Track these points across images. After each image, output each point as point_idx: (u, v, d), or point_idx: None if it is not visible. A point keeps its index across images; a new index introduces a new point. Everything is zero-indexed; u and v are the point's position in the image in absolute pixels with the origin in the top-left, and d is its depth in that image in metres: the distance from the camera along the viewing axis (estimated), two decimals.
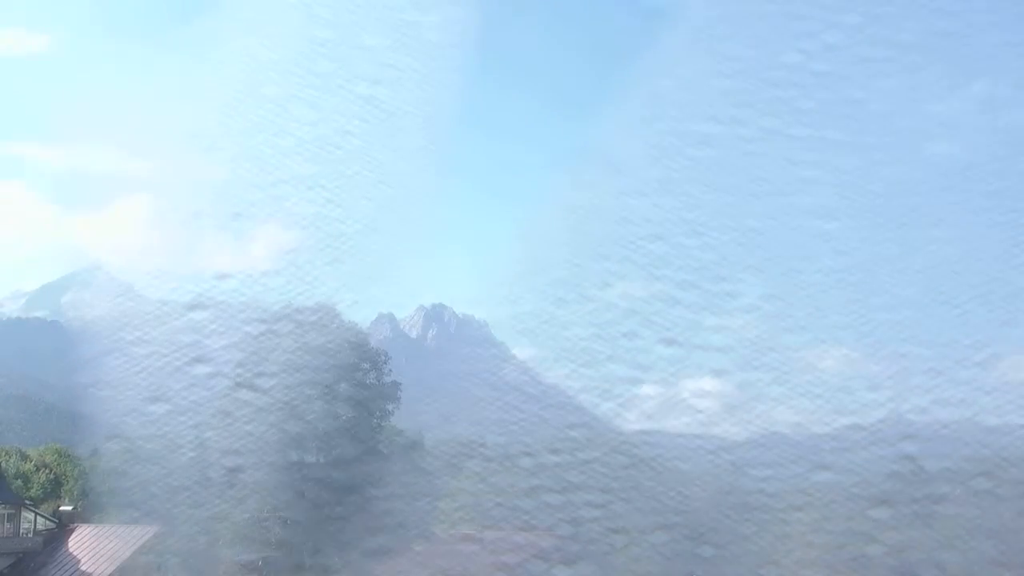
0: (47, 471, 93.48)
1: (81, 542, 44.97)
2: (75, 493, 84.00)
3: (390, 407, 71.25)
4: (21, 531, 46.28)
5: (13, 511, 46.37)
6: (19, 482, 74.40)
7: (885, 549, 60.79)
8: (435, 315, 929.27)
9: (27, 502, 49.88)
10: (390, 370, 71.72)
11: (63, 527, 46.89)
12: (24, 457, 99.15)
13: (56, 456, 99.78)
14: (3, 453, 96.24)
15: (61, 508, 50.53)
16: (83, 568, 42.50)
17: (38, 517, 48.39)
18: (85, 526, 47.74)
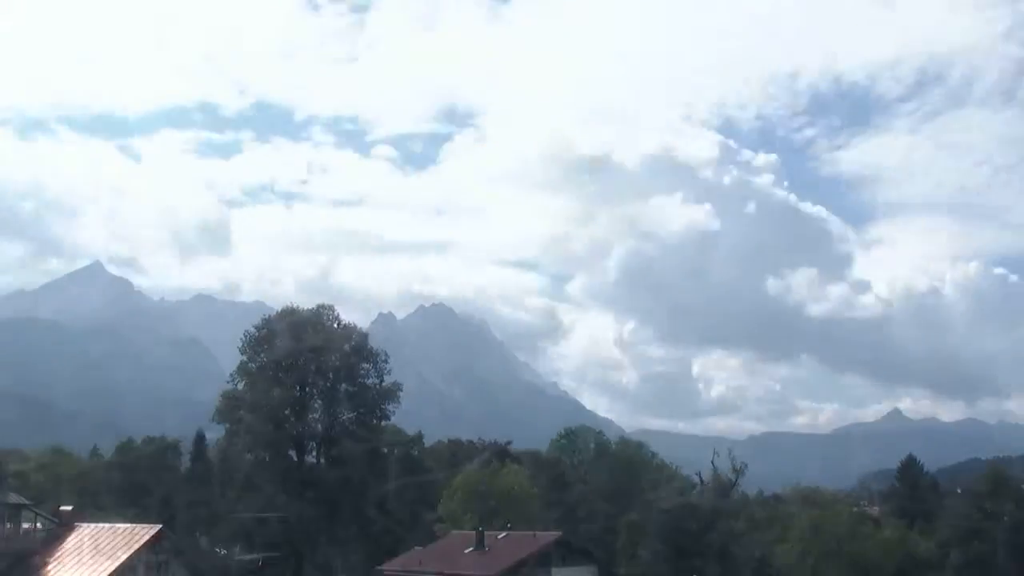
0: (47, 471, 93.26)
1: (81, 542, 44.82)
2: (75, 493, 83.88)
3: (390, 407, 70.96)
4: (21, 531, 46.11)
5: (13, 511, 46.15)
6: (19, 482, 74.22)
7: (885, 548, 60.91)
8: (435, 315, 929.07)
9: (27, 502, 49.69)
10: (390, 370, 71.31)
11: (63, 527, 46.68)
12: (24, 457, 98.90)
13: (56, 456, 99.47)
14: (3, 453, 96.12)
15: (61, 508, 50.30)
16: (83, 568, 42.37)
17: (38, 517, 48.20)
18: (85, 526, 47.51)
